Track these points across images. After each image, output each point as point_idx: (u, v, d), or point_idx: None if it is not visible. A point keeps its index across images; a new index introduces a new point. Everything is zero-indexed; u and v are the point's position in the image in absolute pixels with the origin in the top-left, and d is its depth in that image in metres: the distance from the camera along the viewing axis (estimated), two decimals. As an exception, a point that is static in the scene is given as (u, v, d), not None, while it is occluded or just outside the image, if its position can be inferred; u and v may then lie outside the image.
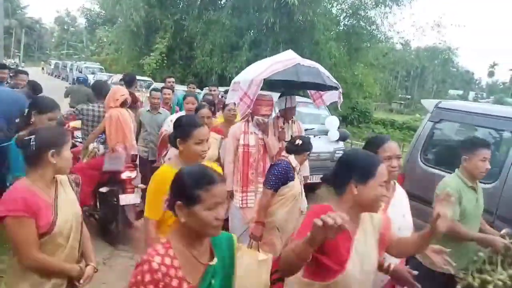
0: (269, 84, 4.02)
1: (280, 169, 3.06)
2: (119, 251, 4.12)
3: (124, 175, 4.05)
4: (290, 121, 4.19)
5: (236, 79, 3.94)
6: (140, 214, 3.92)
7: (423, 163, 3.64)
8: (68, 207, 1.91)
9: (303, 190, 3.45)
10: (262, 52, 14.09)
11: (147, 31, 16.04)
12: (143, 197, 3.68)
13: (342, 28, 16.31)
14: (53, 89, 12.89)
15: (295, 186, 3.12)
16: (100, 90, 4.47)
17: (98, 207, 4.27)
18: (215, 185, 1.34)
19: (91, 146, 4.18)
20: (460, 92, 58.01)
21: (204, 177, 1.35)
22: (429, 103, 3.86)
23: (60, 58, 43.61)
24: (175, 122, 2.33)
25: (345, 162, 1.72)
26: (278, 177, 3.05)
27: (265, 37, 14.09)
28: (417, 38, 15.67)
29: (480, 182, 3.11)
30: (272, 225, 3.16)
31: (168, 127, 4.31)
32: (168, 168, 2.11)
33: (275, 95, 4.07)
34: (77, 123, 4.82)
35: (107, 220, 4.24)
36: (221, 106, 4.85)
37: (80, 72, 22.64)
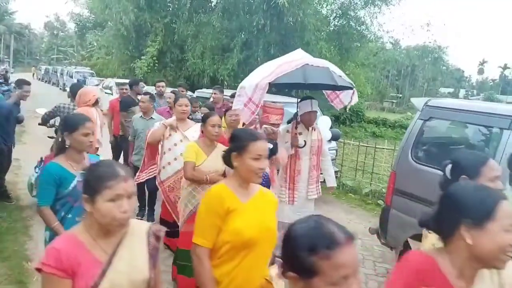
0: (275, 85, 3.94)
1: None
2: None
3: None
4: (310, 128, 4.09)
5: (242, 83, 3.73)
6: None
7: (413, 160, 3.68)
8: (126, 270, 1.42)
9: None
10: (253, 53, 14.12)
11: (138, 35, 15.97)
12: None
13: (332, 28, 16.38)
14: (47, 94, 12.81)
15: None
16: (76, 91, 4.91)
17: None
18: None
19: None
20: (451, 90, 58.65)
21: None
22: (418, 102, 3.90)
23: (50, 64, 43.23)
24: (230, 137, 2.17)
25: (450, 198, 1.30)
26: None
27: (256, 39, 14.10)
28: (407, 37, 15.83)
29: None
30: None
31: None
32: (222, 187, 1.92)
33: (281, 98, 4.22)
34: (57, 119, 5.45)
35: None
36: (224, 111, 4.58)
37: (71, 77, 22.50)
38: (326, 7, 16.00)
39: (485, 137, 3.55)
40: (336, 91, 4.10)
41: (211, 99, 6.69)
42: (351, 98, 3.98)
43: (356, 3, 15.70)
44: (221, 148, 3.26)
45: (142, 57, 15.05)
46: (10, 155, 5.26)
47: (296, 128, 4.04)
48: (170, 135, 3.90)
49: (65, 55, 39.22)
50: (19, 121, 5.39)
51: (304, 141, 4.07)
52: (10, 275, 3.44)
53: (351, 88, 3.81)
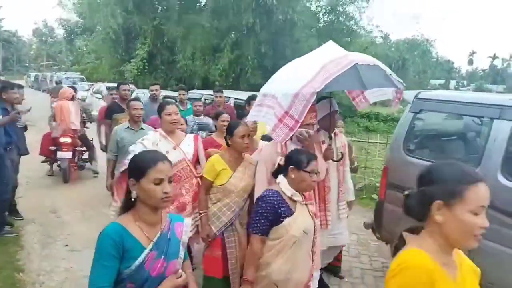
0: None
1: (265, 204, 2.27)
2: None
3: (61, 140, 6.41)
4: (333, 134, 3.31)
5: (267, 90, 2.83)
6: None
7: (405, 153, 3.67)
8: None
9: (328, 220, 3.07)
10: (244, 52, 14.11)
11: (127, 38, 15.90)
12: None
13: (322, 24, 16.42)
14: (36, 100, 12.68)
15: (297, 223, 2.27)
16: (56, 92, 5.78)
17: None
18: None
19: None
20: (442, 81, 58.99)
21: None
22: (409, 95, 3.88)
23: (40, 70, 42.88)
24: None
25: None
26: (263, 216, 2.26)
27: (246, 38, 14.09)
28: (396, 30, 15.87)
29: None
30: (267, 281, 2.31)
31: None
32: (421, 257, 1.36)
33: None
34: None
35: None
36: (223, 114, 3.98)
37: (59, 83, 22.34)
38: (315, 4, 16.05)
39: (475, 128, 3.54)
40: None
41: (214, 102, 6.07)
42: (396, 98, 3.23)
43: (344, -2, 15.77)
44: (249, 160, 2.94)
45: (132, 60, 14.99)
46: (17, 167, 4.94)
47: (319, 136, 3.23)
48: (159, 141, 3.13)
49: (54, 61, 38.94)
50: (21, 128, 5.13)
51: (341, 152, 3.40)
52: (1, 286, 3.38)
53: (396, 87, 2.97)
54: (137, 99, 4.69)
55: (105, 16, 15.44)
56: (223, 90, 6.25)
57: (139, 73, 14.90)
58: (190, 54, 14.44)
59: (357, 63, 2.63)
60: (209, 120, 5.25)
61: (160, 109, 3.19)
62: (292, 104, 2.54)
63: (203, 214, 2.91)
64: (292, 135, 2.69)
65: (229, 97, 7.02)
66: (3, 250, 4.02)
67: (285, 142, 2.79)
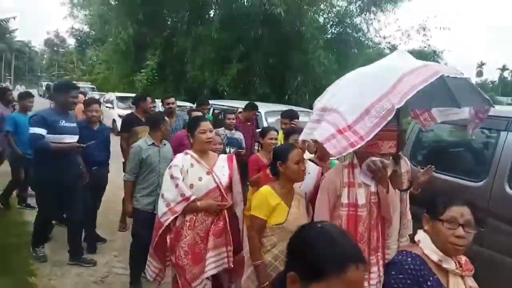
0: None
1: (402, 275, 1.50)
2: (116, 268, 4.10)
3: None
4: (395, 157, 2.64)
5: (324, 104, 2.35)
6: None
7: (413, 165, 3.69)
8: None
9: None
10: (252, 63, 14.26)
11: (137, 49, 16.15)
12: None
13: (329, 36, 16.54)
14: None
15: None
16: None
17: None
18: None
19: None
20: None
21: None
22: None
23: (51, 80, 43.60)
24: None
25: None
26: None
27: (255, 49, 14.25)
28: (404, 42, 15.88)
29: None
30: None
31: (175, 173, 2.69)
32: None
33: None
34: None
35: None
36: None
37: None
38: (322, 16, 16.17)
39: (482, 139, 3.56)
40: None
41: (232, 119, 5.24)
42: (476, 118, 2.61)
43: (352, 10, 15.90)
44: (298, 192, 2.50)
45: (142, 71, 15.20)
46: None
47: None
48: (191, 165, 2.72)
49: (65, 71, 39.62)
50: None
51: (410, 181, 2.85)
52: (15, 290, 3.46)
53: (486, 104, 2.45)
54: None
55: (116, 27, 15.76)
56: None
57: (149, 83, 15.11)
58: (199, 65, 14.61)
59: (443, 75, 2.14)
60: (240, 135, 4.98)
61: (193, 126, 2.73)
62: (359, 120, 2.06)
63: (259, 263, 2.31)
64: (354, 155, 2.30)
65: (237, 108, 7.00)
66: (16, 255, 4.10)
67: (353, 171, 2.33)
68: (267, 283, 2.25)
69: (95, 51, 25.88)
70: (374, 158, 2.26)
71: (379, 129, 2.03)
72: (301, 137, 2.55)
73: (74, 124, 3.95)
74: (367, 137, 2.03)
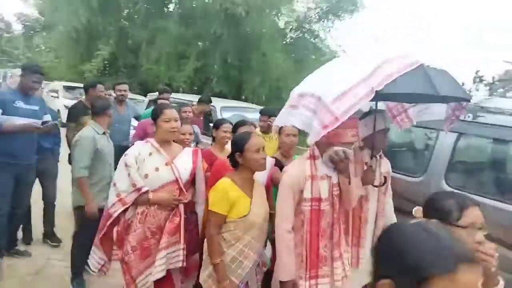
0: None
1: None
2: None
3: None
4: (378, 156, 2.72)
5: (302, 90, 2.30)
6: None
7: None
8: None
9: None
10: (210, 61, 14.08)
11: (89, 38, 15.38)
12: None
13: (288, 40, 16.77)
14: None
15: None
16: None
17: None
18: None
19: None
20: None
21: None
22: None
23: (-8, 66, 40.52)
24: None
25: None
26: None
27: (213, 47, 14.09)
28: (358, 51, 16.47)
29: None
30: None
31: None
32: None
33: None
34: None
35: None
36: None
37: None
38: (282, 20, 16.38)
39: (423, 139, 3.72)
40: (405, 104, 2.82)
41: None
42: (453, 116, 2.60)
43: (311, 16, 16.23)
44: (259, 182, 2.36)
45: (93, 61, 14.50)
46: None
47: (363, 156, 2.71)
48: (150, 154, 2.54)
49: (9, 57, 36.92)
50: None
51: (385, 177, 2.78)
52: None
53: (461, 100, 2.46)
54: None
55: (68, 14, 14.92)
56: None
57: (99, 74, 14.43)
58: (155, 59, 14.19)
59: (422, 64, 2.13)
60: (197, 129, 4.66)
61: (156, 114, 2.56)
62: (336, 101, 1.99)
63: (218, 262, 2.13)
64: (314, 147, 2.25)
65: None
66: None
67: (314, 163, 2.27)
68: (227, 281, 2.12)
69: (43, 38, 24.38)
70: (336, 148, 2.21)
71: (355, 110, 1.99)
72: (277, 122, 2.47)
73: (36, 107, 3.53)
74: (342, 118, 1.96)
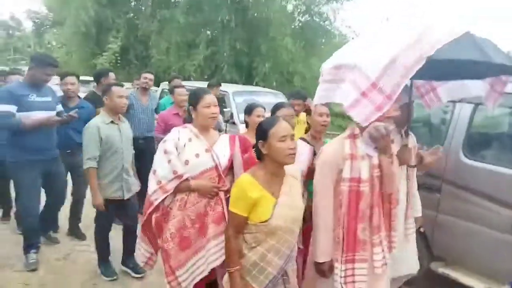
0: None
1: None
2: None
3: None
4: (403, 131, 2.56)
5: (339, 61, 2.12)
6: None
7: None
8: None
9: None
10: (219, 49, 14.05)
11: (98, 31, 15.47)
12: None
13: (297, 24, 16.58)
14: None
15: None
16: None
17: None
18: None
19: None
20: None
21: None
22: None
23: (7, 65, 41.17)
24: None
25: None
26: None
27: (222, 34, 14.03)
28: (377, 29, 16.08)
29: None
30: None
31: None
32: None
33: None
34: None
35: None
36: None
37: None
38: (291, 3, 16.17)
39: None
40: (433, 83, 2.62)
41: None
42: (495, 92, 2.37)
43: (319, -1, 16.00)
44: (291, 173, 2.01)
45: (104, 54, 14.61)
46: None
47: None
48: (189, 140, 2.45)
49: (22, 55, 37.45)
50: None
51: (421, 156, 2.61)
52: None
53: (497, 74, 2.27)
54: (119, 84, 3.71)
55: (76, 8, 15.01)
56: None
57: (111, 67, 14.56)
58: (165, 49, 14.22)
59: (468, 32, 1.96)
60: (220, 117, 4.44)
61: (195, 100, 2.45)
62: (383, 74, 1.82)
63: (233, 270, 1.90)
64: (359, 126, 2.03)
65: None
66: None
67: (354, 142, 2.12)
68: None
69: (54, 35, 24.60)
70: (377, 123, 2.00)
71: (406, 81, 1.80)
72: (318, 100, 2.22)
73: (49, 98, 3.48)
74: (395, 95, 1.81)
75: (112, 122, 3.23)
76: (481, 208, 2.89)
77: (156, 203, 2.38)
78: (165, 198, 2.39)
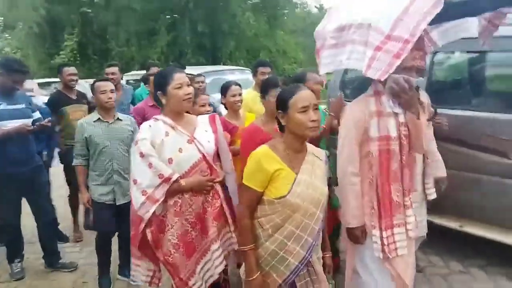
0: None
1: None
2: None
3: None
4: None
5: (340, 22, 1.95)
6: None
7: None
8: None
9: None
10: (181, 32, 13.75)
11: (53, 30, 14.87)
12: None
13: (257, -3, 16.37)
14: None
15: None
16: None
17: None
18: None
19: None
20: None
21: None
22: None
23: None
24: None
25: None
26: None
27: (181, 17, 13.71)
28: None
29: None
30: None
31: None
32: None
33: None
34: None
35: None
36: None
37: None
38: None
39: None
40: (427, 27, 2.14)
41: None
42: (490, 26, 2.27)
43: (278, -31, 15.79)
44: (314, 152, 1.79)
45: (61, 53, 14.08)
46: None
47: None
48: (166, 134, 2.08)
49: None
50: None
51: (435, 109, 2.47)
52: None
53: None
54: (106, 79, 3.42)
55: (26, 9, 14.30)
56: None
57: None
58: (125, 40, 13.82)
59: None
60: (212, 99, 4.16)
61: (164, 81, 2.07)
62: (397, 23, 1.67)
63: (248, 249, 1.69)
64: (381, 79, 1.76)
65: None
66: None
67: (380, 99, 1.93)
68: (255, 276, 1.66)
69: (5, 40, 23.44)
70: (395, 76, 1.79)
71: (425, 25, 1.63)
72: (325, 69, 2.03)
73: (22, 106, 3.20)
74: (414, 37, 1.63)
75: (99, 119, 2.96)
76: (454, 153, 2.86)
77: (147, 217, 2.03)
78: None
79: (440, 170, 2.54)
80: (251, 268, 1.67)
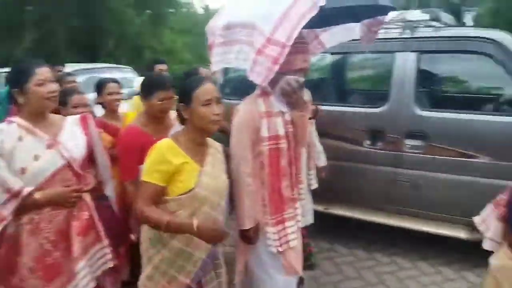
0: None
1: None
2: None
3: None
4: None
5: (228, 20, 1.98)
6: None
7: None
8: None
9: None
10: (53, 26, 12.40)
11: None
12: None
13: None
14: None
15: None
16: None
17: None
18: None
19: None
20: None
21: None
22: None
23: None
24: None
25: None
26: None
27: (54, 11, 12.34)
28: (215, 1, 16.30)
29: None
30: None
31: None
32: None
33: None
34: None
35: None
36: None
37: None
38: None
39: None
40: (316, 30, 2.58)
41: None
42: (371, 31, 2.51)
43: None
44: (213, 144, 1.83)
45: None
46: None
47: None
48: (19, 139, 1.79)
49: None
50: None
51: (316, 107, 2.68)
52: None
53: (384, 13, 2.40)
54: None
55: None
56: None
57: None
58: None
59: None
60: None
61: (23, 78, 1.78)
62: (278, 27, 1.73)
63: (165, 223, 1.57)
64: (275, 77, 1.84)
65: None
66: None
67: (268, 100, 2.00)
68: (195, 225, 1.56)
69: None
70: (288, 77, 1.92)
71: (300, 28, 1.74)
72: (217, 66, 2.04)
73: None
74: (290, 41, 1.72)
75: None
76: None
77: None
78: (7, 224, 1.78)
79: (322, 160, 2.89)
80: (185, 224, 1.57)
